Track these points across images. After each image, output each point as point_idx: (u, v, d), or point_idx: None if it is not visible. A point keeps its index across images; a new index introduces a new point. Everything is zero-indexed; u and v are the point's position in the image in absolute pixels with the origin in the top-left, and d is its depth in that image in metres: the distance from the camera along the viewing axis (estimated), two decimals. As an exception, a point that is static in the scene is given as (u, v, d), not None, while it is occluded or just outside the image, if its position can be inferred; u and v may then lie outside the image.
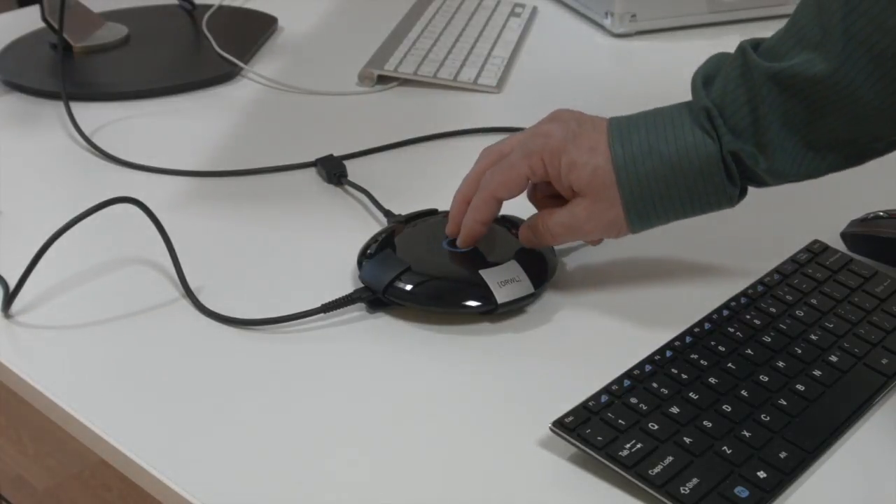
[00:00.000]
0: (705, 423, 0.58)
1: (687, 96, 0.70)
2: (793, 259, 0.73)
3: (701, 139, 0.66)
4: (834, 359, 0.64)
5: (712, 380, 0.62)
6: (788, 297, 0.69)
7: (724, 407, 0.60)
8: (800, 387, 0.62)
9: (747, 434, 0.58)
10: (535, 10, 1.25)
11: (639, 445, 0.57)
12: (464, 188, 0.73)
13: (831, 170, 0.68)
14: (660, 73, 1.04)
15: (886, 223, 0.75)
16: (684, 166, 0.66)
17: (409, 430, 0.61)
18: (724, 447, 0.57)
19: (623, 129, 0.68)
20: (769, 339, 0.65)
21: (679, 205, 0.68)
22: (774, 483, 0.55)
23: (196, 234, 0.79)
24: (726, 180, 0.67)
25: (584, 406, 0.59)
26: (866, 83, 0.63)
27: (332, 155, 0.90)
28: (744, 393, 0.61)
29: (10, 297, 0.71)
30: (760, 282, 0.71)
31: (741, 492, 0.54)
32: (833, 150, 0.67)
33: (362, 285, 0.71)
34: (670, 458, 0.56)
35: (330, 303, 0.70)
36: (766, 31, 0.70)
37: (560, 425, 0.58)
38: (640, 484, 0.55)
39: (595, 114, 0.72)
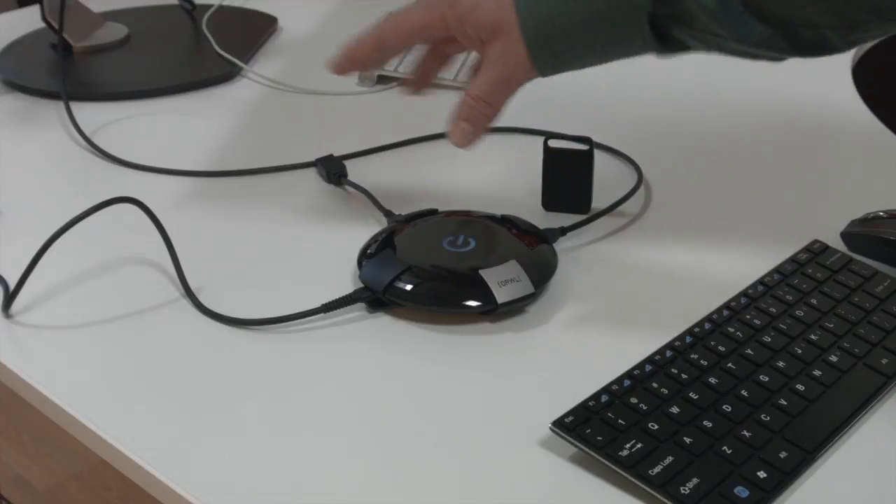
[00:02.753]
0: (705, 423, 0.58)
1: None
2: (793, 259, 0.73)
3: None
4: (834, 359, 0.64)
5: (712, 380, 0.62)
6: (788, 297, 0.69)
7: (724, 407, 0.60)
8: (800, 387, 0.62)
9: (747, 434, 0.58)
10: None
11: (639, 445, 0.57)
12: (380, 27, 0.71)
13: (757, 45, 0.63)
14: (660, 71, 1.05)
15: (886, 223, 0.75)
16: None
17: (409, 430, 0.61)
18: (724, 447, 0.57)
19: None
20: (769, 339, 0.65)
21: (584, 33, 0.63)
22: (774, 483, 0.55)
23: (196, 234, 0.79)
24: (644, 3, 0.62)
25: (584, 406, 0.59)
26: None
27: (332, 155, 0.90)
28: (744, 393, 0.61)
29: (10, 297, 0.71)
30: (760, 282, 0.71)
31: (741, 492, 0.54)
32: (764, 20, 0.62)
33: (362, 285, 0.71)
34: (670, 458, 0.56)
35: (330, 303, 0.70)
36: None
37: (560, 425, 0.58)
38: (640, 484, 0.55)
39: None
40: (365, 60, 0.70)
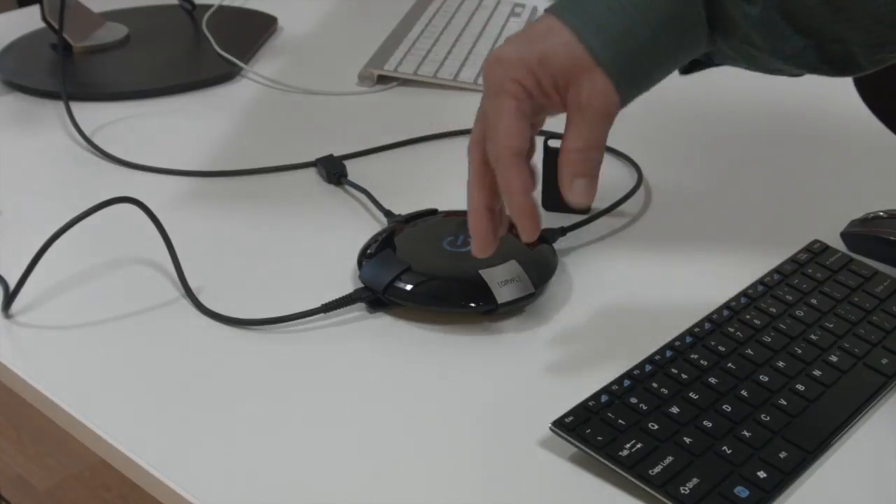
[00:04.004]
0: (705, 423, 0.58)
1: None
2: (793, 259, 0.73)
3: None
4: (834, 359, 0.64)
5: (712, 380, 0.62)
6: (788, 297, 0.69)
7: (724, 407, 0.60)
8: (800, 387, 0.62)
9: (747, 434, 0.58)
10: (534, 10, 1.25)
11: (639, 445, 0.57)
12: (475, 193, 0.64)
13: (789, 59, 0.62)
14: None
15: (886, 223, 0.75)
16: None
17: (408, 430, 0.61)
18: (724, 447, 0.57)
19: (600, 28, 0.61)
20: (769, 339, 0.65)
21: (656, 45, 0.60)
22: (774, 483, 0.55)
23: (196, 234, 0.79)
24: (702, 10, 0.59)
25: (584, 406, 0.59)
26: None
27: (332, 155, 0.90)
28: (744, 393, 0.61)
29: (10, 297, 0.71)
30: (760, 282, 0.71)
31: (741, 492, 0.55)
32: (799, 32, 0.60)
33: (362, 285, 0.71)
34: (670, 458, 0.56)
35: (330, 303, 0.70)
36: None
37: (560, 425, 0.58)
38: (640, 484, 0.55)
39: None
40: (529, 188, 0.62)
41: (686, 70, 0.67)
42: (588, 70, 0.60)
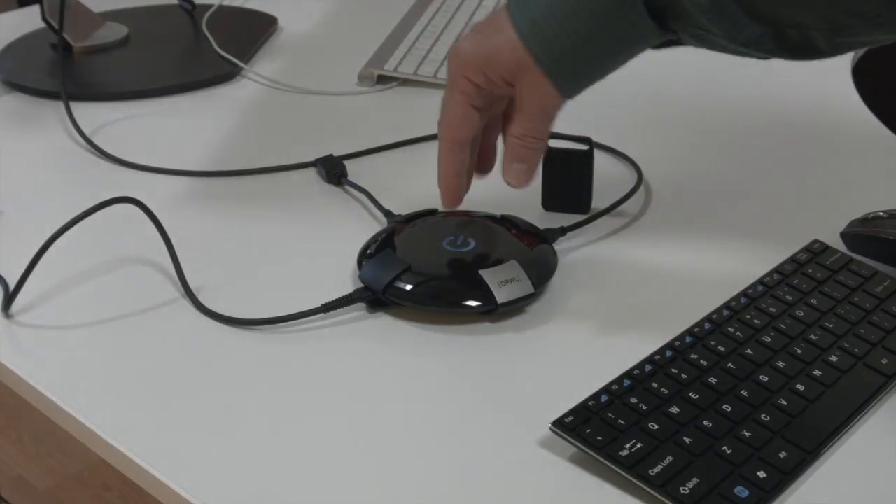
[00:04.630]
0: (705, 423, 0.58)
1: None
2: (793, 259, 0.73)
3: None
4: (834, 359, 0.64)
5: (712, 380, 0.62)
6: (788, 297, 0.69)
7: (724, 407, 0.60)
8: (800, 387, 0.62)
9: (747, 434, 0.58)
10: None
11: (639, 445, 0.57)
12: (443, 162, 0.71)
13: (747, 45, 0.62)
14: (660, 71, 1.05)
15: (886, 223, 0.75)
16: None
17: (409, 430, 0.61)
18: (724, 447, 0.57)
19: (543, 31, 0.64)
20: (769, 339, 0.65)
21: (592, 41, 0.63)
22: (774, 483, 0.55)
23: (196, 234, 0.79)
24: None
25: (584, 406, 0.59)
26: None
27: (332, 155, 0.90)
28: (744, 393, 0.61)
29: (10, 297, 0.71)
30: (760, 282, 0.71)
31: (741, 492, 0.54)
32: (755, 19, 0.61)
33: (362, 285, 0.71)
34: (670, 458, 0.56)
35: (330, 303, 0.70)
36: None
37: (560, 425, 0.58)
38: (640, 484, 0.55)
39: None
40: (459, 171, 0.71)
41: (661, 38, 0.67)
42: (528, 69, 0.65)
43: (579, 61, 0.65)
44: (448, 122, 0.70)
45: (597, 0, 0.62)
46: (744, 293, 0.69)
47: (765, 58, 0.65)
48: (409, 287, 0.69)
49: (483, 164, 0.76)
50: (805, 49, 0.63)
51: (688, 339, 0.65)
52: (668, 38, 0.65)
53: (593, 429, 0.58)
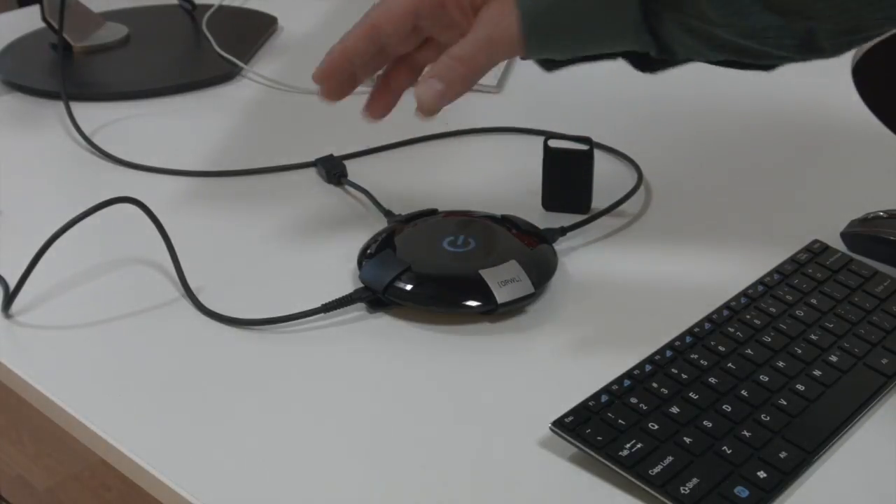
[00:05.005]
0: (705, 423, 0.58)
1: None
2: (793, 259, 0.73)
3: None
4: (834, 359, 0.64)
5: (712, 380, 0.62)
6: (788, 297, 0.69)
7: (724, 407, 0.60)
8: (800, 387, 0.62)
9: (747, 434, 0.58)
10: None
11: (639, 445, 0.57)
12: (348, 38, 0.66)
13: (750, 34, 0.61)
14: (660, 73, 1.05)
15: (886, 223, 0.75)
16: None
17: (408, 430, 0.61)
18: (724, 447, 0.57)
19: None
20: (769, 339, 0.65)
21: (576, 7, 0.61)
22: (774, 483, 0.55)
23: (196, 234, 0.79)
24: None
25: (584, 406, 0.59)
26: None
27: (332, 155, 0.90)
28: (744, 393, 0.61)
29: (10, 297, 0.71)
30: (760, 282, 0.71)
31: (741, 492, 0.55)
32: (767, 7, 0.59)
33: (362, 285, 0.71)
34: (670, 458, 0.56)
35: (330, 303, 0.70)
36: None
37: (560, 425, 0.58)
38: (640, 484, 0.55)
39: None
40: (353, 56, 0.64)
41: (649, 68, 0.66)
42: (505, 13, 0.61)
43: (556, 15, 0.61)
44: (385, 9, 0.64)
45: None
46: (744, 293, 0.69)
47: (767, 66, 0.64)
48: (409, 287, 0.69)
49: (377, 105, 0.70)
50: (807, 46, 0.62)
51: (688, 339, 0.65)
52: (651, 48, 0.63)
53: (593, 429, 0.58)
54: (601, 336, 0.69)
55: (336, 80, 0.66)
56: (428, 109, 0.64)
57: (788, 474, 0.56)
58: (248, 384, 0.64)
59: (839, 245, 0.76)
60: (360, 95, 1.04)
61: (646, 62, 0.66)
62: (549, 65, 0.67)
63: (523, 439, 0.60)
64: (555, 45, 0.62)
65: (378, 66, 0.69)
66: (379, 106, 0.71)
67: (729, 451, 0.57)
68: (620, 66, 0.69)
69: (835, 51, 0.63)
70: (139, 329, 0.69)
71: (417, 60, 0.70)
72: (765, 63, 0.64)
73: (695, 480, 0.55)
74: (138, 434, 0.60)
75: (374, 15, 0.64)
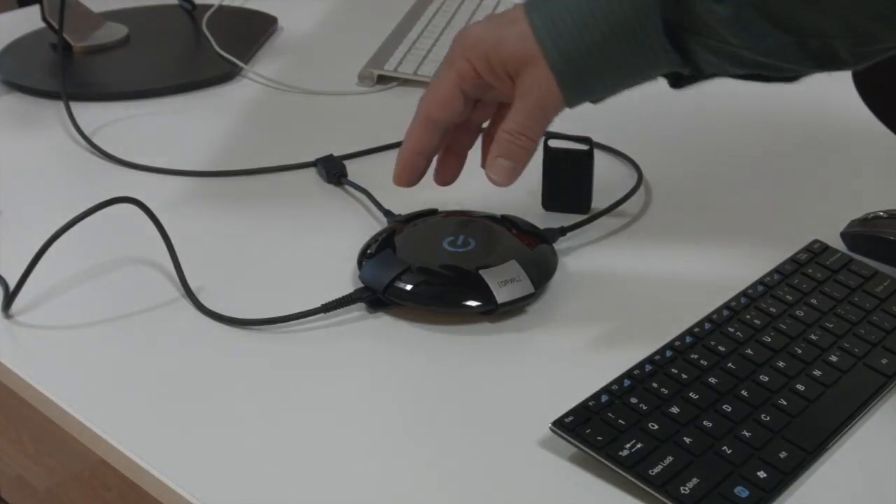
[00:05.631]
0: (705, 423, 0.58)
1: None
2: (793, 259, 0.73)
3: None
4: (834, 359, 0.64)
5: (712, 380, 0.62)
6: (788, 297, 0.69)
7: (724, 407, 0.60)
8: (800, 387, 0.62)
9: (747, 434, 0.58)
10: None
11: (639, 445, 0.57)
12: (411, 135, 0.69)
13: (768, 54, 0.62)
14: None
15: (886, 223, 0.75)
16: (606, 6, 0.61)
17: (409, 430, 0.61)
18: (724, 447, 0.57)
19: (553, 23, 0.64)
20: (769, 339, 0.65)
21: (605, 49, 0.62)
22: (774, 483, 0.55)
23: (196, 234, 0.79)
24: (660, 28, 0.61)
25: (584, 406, 0.59)
26: None
27: (332, 155, 0.90)
28: (744, 393, 0.61)
29: (10, 297, 0.71)
30: (760, 282, 0.71)
31: (741, 492, 0.54)
32: (779, 28, 0.60)
33: (362, 285, 0.71)
34: (670, 458, 0.56)
35: (330, 303, 0.70)
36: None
37: (560, 425, 0.58)
38: (640, 484, 0.55)
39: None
40: (423, 151, 0.69)
41: (676, 83, 0.67)
42: (535, 62, 0.64)
43: (589, 64, 0.63)
44: (432, 98, 0.67)
45: (615, 8, 0.62)
46: (744, 293, 0.69)
47: (791, 78, 0.65)
48: (409, 287, 0.69)
49: (446, 171, 0.74)
50: (828, 59, 0.62)
51: (688, 339, 0.65)
52: (680, 65, 0.64)
53: (593, 429, 0.57)
54: (601, 336, 0.69)
55: (415, 175, 0.71)
56: (504, 185, 0.68)
57: (788, 474, 0.56)
58: (248, 384, 0.64)
59: (839, 245, 0.76)
60: (360, 96, 1.04)
61: (676, 80, 0.67)
62: (595, 100, 0.68)
63: (523, 439, 0.60)
64: (596, 91, 0.65)
65: (444, 142, 0.72)
66: (448, 171, 0.74)
67: (729, 451, 0.57)
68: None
69: (857, 62, 0.63)
70: (139, 329, 0.69)
71: (473, 122, 0.72)
72: (788, 76, 0.65)
73: (695, 480, 0.55)
74: (138, 434, 0.60)
75: (425, 107, 0.68)
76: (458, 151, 0.73)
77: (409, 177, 0.71)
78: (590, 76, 0.64)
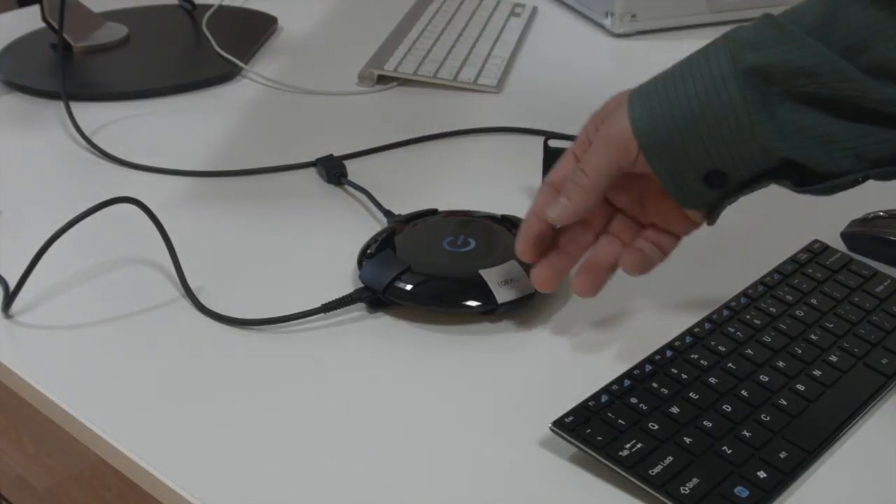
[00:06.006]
0: (705, 423, 0.58)
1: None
2: (793, 259, 0.73)
3: (717, 64, 0.62)
4: (834, 359, 0.64)
5: (712, 380, 0.62)
6: (788, 297, 0.69)
7: (724, 407, 0.60)
8: (800, 387, 0.62)
9: (747, 434, 0.58)
10: (535, 10, 1.25)
11: (639, 445, 0.57)
12: (530, 218, 0.67)
13: (879, 142, 0.63)
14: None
15: (886, 223, 0.75)
16: (701, 93, 0.62)
17: (408, 430, 0.61)
18: (724, 447, 0.57)
19: (642, 86, 0.64)
20: (769, 339, 0.65)
21: (699, 144, 0.62)
22: (774, 483, 0.55)
23: (196, 234, 0.79)
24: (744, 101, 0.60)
25: (584, 406, 0.59)
26: None
27: (332, 155, 0.90)
28: (744, 393, 0.61)
29: (10, 297, 0.71)
30: (760, 282, 0.71)
31: (741, 492, 0.55)
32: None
33: (362, 285, 0.71)
34: (670, 458, 0.56)
35: (330, 303, 0.70)
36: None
37: (560, 425, 0.58)
38: (640, 484, 0.55)
39: (592, 112, 0.72)
40: (539, 219, 0.66)
41: (802, 185, 0.65)
42: (620, 117, 0.63)
43: (670, 132, 0.62)
44: (554, 170, 0.66)
45: (696, 93, 0.62)
46: (744, 293, 0.69)
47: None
48: (409, 287, 0.69)
49: (590, 274, 0.67)
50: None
51: (688, 339, 0.65)
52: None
53: (593, 429, 0.58)
54: (601, 336, 0.69)
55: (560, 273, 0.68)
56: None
57: (788, 474, 0.56)
58: (248, 384, 0.64)
59: (839, 245, 0.76)
60: (360, 96, 1.04)
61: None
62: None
63: (523, 439, 0.60)
64: (679, 160, 0.63)
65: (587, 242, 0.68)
66: (592, 282, 0.68)
67: (729, 451, 0.57)
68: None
69: None
70: (139, 329, 0.69)
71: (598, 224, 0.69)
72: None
73: (695, 480, 0.55)
74: (138, 434, 0.60)
75: (576, 178, 0.65)
76: (602, 262, 0.68)
77: (530, 253, 0.67)
78: (673, 141, 0.63)
